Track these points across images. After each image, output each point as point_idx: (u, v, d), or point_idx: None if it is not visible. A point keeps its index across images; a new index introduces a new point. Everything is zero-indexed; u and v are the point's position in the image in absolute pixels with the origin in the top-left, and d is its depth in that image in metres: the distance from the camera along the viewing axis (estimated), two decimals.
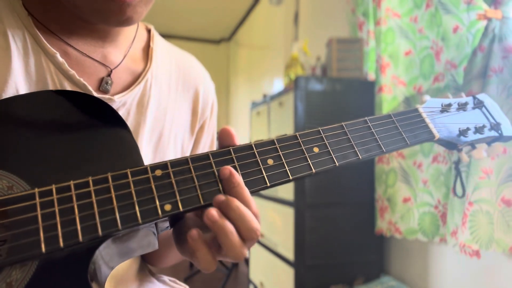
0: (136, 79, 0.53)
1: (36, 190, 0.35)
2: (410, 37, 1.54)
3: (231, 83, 4.74)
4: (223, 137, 0.43)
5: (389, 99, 1.58)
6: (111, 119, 0.42)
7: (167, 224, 0.42)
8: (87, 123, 0.41)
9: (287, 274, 1.62)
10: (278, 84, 3.09)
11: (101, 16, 0.45)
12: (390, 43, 1.59)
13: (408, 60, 1.55)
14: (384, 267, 1.65)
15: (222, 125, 4.69)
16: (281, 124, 1.79)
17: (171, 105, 0.57)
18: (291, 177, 0.42)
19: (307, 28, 2.59)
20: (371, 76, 1.76)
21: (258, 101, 2.18)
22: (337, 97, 1.63)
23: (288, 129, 1.68)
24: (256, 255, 2.10)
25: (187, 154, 0.61)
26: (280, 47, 3.03)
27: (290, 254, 1.60)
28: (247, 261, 2.23)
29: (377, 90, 1.62)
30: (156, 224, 0.39)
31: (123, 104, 0.51)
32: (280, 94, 1.79)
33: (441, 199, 1.32)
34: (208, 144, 0.64)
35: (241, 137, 4.04)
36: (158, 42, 0.59)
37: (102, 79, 0.50)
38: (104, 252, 0.36)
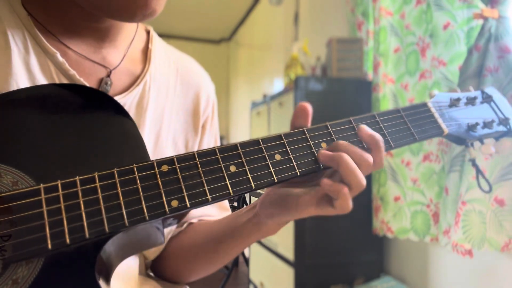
0: (135, 80, 0.53)
1: (42, 185, 0.35)
2: (399, 34, 1.55)
3: (231, 83, 4.74)
4: (299, 114, 0.45)
5: (380, 98, 1.59)
6: (117, 114, 0.42)
7: (171, 220, 0.42)
8: (93, 118, 0.41)
9: (287, 274, 1.62)
10: (278, 84, 3.09)
11: (127, 13, 0.44)
12: (382, 42, 1.59)
13: (397, 57, 1.55)
14: (384, 267, 1.65)
15: (221, 125, 4.69)
16: (281, 124, 1.79)
17: (168, 106, 0.57)
18: (298, 172, 0.41)
19: (307, 28, 2.59)
20: (370, 76, 1.76)
21: (258, 101, 2.18)
22: (337, 97, 1.63)
23: (288, 129, 1.68)
24: (256, 255, 2.10)
25: None
26: (280, 47, 3.03)
27: (290, 254, 1.60)
28: (247, 261, 2.22)
29: (372, 89, 1.63)
30: (162, 220, 0.39)
31: (122, 105, 0.50)
32: (280, 94, 1.79)
33: (433, 198, 1.33)
34: (211, 145, 0.64)
35: (241, 137, 4.04)
36: (157, 44, 0.59)
37: (101, 80, 0.50)
38: (111, 248, 0.36)
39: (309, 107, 0.45)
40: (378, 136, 0.43)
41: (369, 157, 0.41)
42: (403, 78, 1.51)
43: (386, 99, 1.58)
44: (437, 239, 1.31)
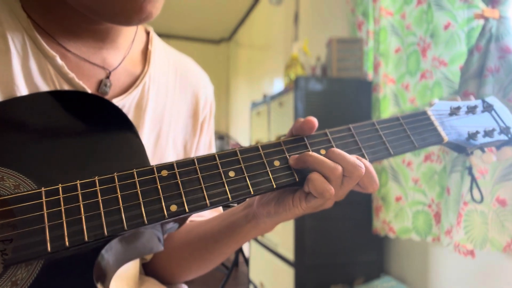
0: (134, 81, 0.53)
1: (43, 189, 0.35)
2: (399, 34, 1.55)
3: (231, 83, 4.74)
4: (305, 127, 0.45)
5: (380, 98, 1.58)
6: (118, 119, 0.42)
7: (171, 225, 0.42)
8: (94, 124, 0.41)
9: (287, 274, 1.62)
10: (278, 84, 3.09)
11: (123, 18, 0.44)
12: (383, 42, 1.59)
13: (397, 58, 1.55)
14: (384, 267, 1.65)
15: (222, 125, 4.69)
16: (281, 124, 1.79)
17: (168, 107, 0.57)
18: (297, 179, 0.42)
19: (307, 28, 2.59)
20: (371, 76, 1.76)
21: (258, 101, 2.18)
22: (337, 97, 1.63)
23: (288, 129, 1.68)
24: (256, 255, 2.10)
25: (191, 154, 0.61)
26: (280, 47, 3.03)
27: (290, 254, 1.60)
28: (247, 261, 2.22)
29: (373, 89, 1.63)
30: (161, 225, 0.39)
31: (121, 106, 0.50)
32: (280, 94, 1.79)
33: (435, 198, 1.33)
34: (207, 144, 0.64)
35: (241, 137, 4.04)
36: (157, 45, 0.59)
37: (100, 82, 0.50)
38: (110, 252, 0.36)
39: (316, 124, 0.46)
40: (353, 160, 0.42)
41: (362, 166, 0.41)
42: (403, 78, 1.51)
43: (387, 99, 1.58)
44: (438, 239, 1.31)
